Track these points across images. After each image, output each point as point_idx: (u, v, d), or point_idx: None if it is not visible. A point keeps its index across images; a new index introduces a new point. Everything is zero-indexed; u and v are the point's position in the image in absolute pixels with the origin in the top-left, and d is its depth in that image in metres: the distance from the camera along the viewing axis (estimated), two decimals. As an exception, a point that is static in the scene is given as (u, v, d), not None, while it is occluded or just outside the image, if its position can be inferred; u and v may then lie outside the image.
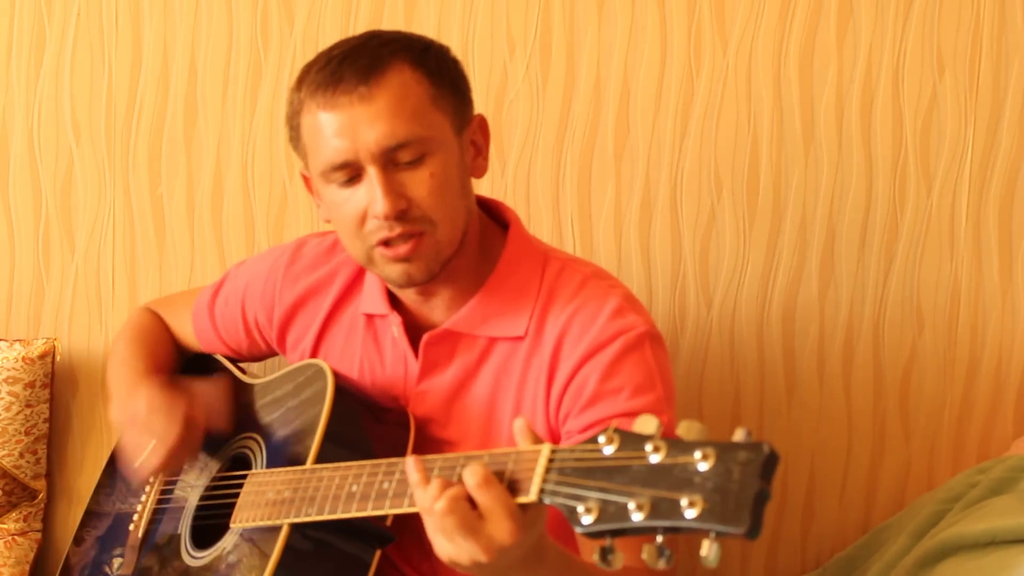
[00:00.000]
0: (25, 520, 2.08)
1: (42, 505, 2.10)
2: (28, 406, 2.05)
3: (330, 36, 2.03)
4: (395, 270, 1.53)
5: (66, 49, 2.07)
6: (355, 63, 1.49)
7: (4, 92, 2.08)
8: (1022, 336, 2.07)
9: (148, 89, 2.07)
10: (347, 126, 1.48)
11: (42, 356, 2.05)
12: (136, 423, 1.65)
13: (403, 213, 1.49)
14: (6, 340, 2.06)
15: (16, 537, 2.07)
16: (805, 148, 2.04)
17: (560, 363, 1.54)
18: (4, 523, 2.07)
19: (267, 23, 2.05)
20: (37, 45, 2.07)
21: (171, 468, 1.67)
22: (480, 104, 2.02)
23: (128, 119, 2.08)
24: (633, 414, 1.38)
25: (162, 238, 2.11)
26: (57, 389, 2.11)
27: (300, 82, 1.54)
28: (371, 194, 1.48)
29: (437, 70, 1.53)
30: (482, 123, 1.61)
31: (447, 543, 1.25)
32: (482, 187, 2.04)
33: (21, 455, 2.06)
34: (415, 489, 1.29)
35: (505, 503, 1.23)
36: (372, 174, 1.48)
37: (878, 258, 2.06)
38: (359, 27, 2.03)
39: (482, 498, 1.24)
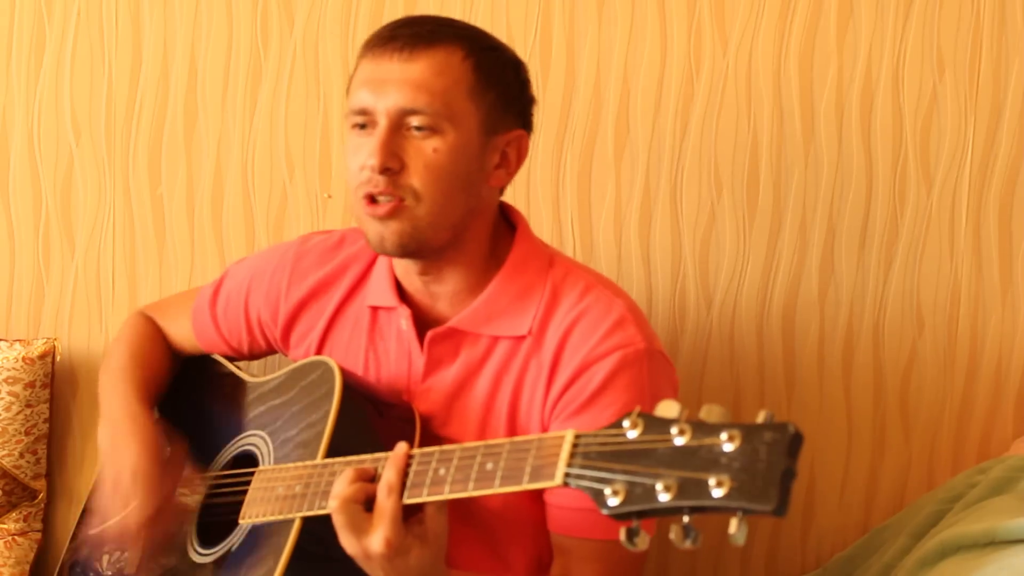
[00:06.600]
0: (25, 520, 2.08)
1: (42, 505, 2.10)
2: (28, 406, 2.05)
3: (330, 36, 2.03)
4: (371, 229, 1.55)
5: (66, 49, 2.07)
6: (414, 30, 1.55)
7: (4, 92, 2.08)
8: (1022, 336, 2.07)
9: (148, 89, 2.07)
10: (378, 79, 1.53)
11: (42, 356, 2.05)
12: (119, 487, 1.63)
13: (392, 173, 1.51)
14: (6, 340, 2.06)
15: (16, 537, 2.07)
16: (805, 148, 2.04)
17: (561, 366, 1.55)
18: (4, 523, 2.07)
19: (267, 23, 2.05)
20: (37, 45, 2.07)
21: (135, 542, 1.64)
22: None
23: (128, 119, 2.08)
24: None
25: (162, 238, 2.11)
26: (57, 389, 2.11)
27: (369, 35, 1.60)
28: (371, 145, 1.52)
29: (489, 69, 1.56)
30: (521, 140, 1.61)
31: (340, 535, 1.36)
32: (482, 187, 2.04)
33: (21, 455, 2.06)
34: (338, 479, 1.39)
35: (392, 515, 1.33)
36: (380, 128, 1.52)
37: (878, 258, 2.06)
38: (359, 27, 2.03)
39: (379, 501, 1.35)
